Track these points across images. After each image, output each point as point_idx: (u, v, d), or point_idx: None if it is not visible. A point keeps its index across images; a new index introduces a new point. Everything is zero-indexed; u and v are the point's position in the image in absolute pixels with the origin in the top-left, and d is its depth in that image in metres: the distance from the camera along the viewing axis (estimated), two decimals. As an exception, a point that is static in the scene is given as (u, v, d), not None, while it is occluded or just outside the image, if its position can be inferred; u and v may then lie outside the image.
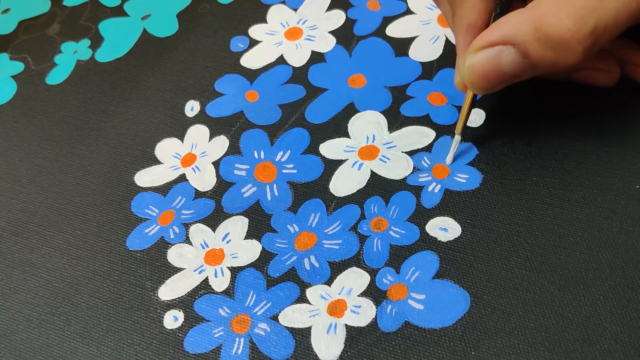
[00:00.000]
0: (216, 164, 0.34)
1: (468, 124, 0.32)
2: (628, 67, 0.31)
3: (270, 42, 0.39)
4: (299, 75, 0.37)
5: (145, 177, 0.34)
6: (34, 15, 0.45)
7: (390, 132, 0.33)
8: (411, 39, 0.37)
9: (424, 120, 0.33)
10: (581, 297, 0.26)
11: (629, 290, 0.26)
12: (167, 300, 0.29)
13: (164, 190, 0.33)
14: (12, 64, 0.42)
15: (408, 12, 0.39)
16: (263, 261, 0.30)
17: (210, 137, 0.35)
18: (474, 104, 0.31)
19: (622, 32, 0.26)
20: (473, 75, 0.27)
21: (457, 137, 0.31)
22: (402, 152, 0.32)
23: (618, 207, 0.28)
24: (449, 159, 0.31)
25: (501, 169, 0.30)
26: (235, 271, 0.29)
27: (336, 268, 0.29)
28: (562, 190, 0.29)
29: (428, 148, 0.32)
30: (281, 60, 0.38)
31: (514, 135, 0.32)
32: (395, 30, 0.38)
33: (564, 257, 0.27)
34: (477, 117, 0.33)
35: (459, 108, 0.33)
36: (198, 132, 0.35)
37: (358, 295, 0.28)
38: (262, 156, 0.34)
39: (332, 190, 0.31)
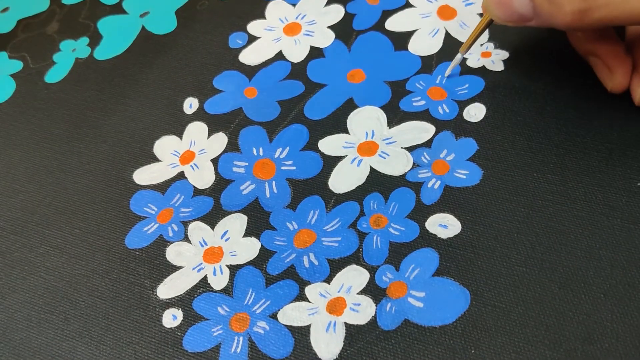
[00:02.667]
0: (215, 161, 0.34)
1: (468, 119, 0.32)
2: None
3: (269, 38, 0.39)
4: (298, 71, 0.37)
5: (144, 175, 0.34)
6: (33, 13, 0.45)
7: (390, 128, 0.33)
8: (410, 33, 0.37)
9: (424, 115, 0.33)
10: (582, 295, 0.26)
11: (629, 288, 0.25)
12: (166, 299, 0.29)
13: (162, 188, 0.33)
14: (10, 62, 0.42)
15: (408, 5, 0.39)
16: (262, 259, 0.29)
17: (209, 134, 0.35)
18: (486, 29, 0.33)
19: (624, 24, 0.27)
20: (491, 2, 0.30)
21: (459, 56, 0.33)
22: (402, 147, 0.32)
23: (619, 204, 0.28)
24: (447, 72, 0.34)
25: (501, 164, 0.30)
26: (234, 269, 0.29)
27: (335, 266, 0.29)
28: (562, 187, 0.29)
29: (428, 144, 0.32)
30: (280, 56, 0.38)
31: (514, 130, 0.31)
32: (394, 24, 0.38)
33: (565, 254, 0.27)
34: (477, 112, 0.32)
35: (459, 102, 0.33)
36: (197, 130, 0.35)
37: (357, 293, 0.27)
38: (261, 153, 0.33)
39: (331, 187, 0.31)
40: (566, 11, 0.27)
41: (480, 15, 0.37)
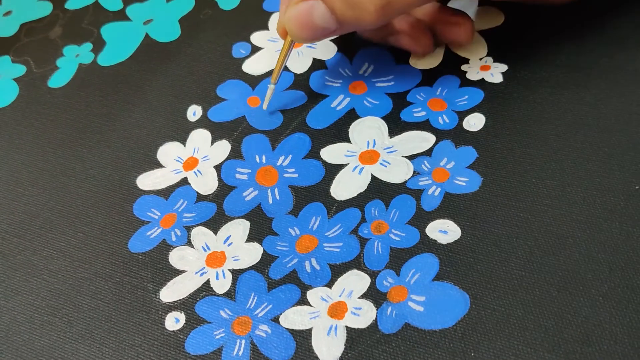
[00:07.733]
0: (218, 167, 0.34)
1: (467, 128, 0.33)
2: (444, 30, 0.35)
3: (271, 49, 0.40)
4: (301, 81, 0.37)
5: (147, 181, 0.34)
6: (36, 18, 0.45)
7: (391, 137, 0.33)
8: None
9: (424, 125, 0.33)
10: (580, 298, 0.26)
11: (628, 291, 0.26)
12: (169, 302, 0.29)
13: (165, 193, 0.33)
14: (14, 66, 0.42)
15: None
16: (264, 264, 0.30)
17: (212, 142, 0.35)
18: (290, 51, 0.34)
19: (417, 5, 0.32)
20: (292, 24, 0.31)
21: (272, 86, 0.35)
22: (403, 156, 0.32)
23: (617, 207, 0.28)
24: (265, 105, 0.36)
25: (500, 171, 0.31)
26: (236, 273, 0.30)
27: (337, 270, 0.29)
28: (561, 192, 0.29)
29: (428, 152, 0.32)
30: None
31: (513, 138, 0.32)
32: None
33: (563, 258, 0.27)
34: (477, 122, 0.33)
35: (458, 113, 0.34)
36: (200, 137, 0.36)
37: (358, 298, 0.28)
38: (264, 160, 0.34)
39: (333, 194, 0.32)
40: (370, 11, 0.29)
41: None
